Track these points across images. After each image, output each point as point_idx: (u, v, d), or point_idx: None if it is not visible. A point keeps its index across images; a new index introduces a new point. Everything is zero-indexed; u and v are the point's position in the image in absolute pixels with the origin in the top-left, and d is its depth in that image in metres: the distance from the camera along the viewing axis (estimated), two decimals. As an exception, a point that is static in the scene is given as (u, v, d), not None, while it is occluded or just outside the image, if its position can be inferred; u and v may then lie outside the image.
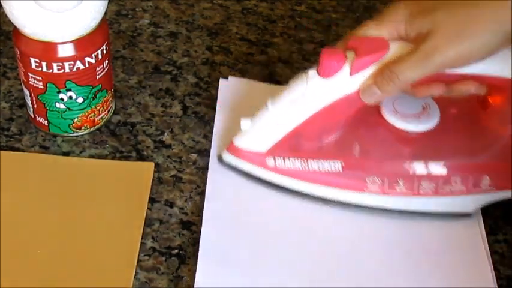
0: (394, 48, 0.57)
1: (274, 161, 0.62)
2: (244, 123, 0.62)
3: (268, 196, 0.64)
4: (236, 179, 0.65)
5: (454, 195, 0.61)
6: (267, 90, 0.73)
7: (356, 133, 0.63)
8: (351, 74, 0.57)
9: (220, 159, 0.65)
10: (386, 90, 0.57)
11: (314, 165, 0.62)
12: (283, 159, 0.62)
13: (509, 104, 0.61)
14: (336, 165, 0.62)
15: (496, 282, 0.58)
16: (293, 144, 0.61)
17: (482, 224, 0.62)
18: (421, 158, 0.62)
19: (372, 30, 0.58)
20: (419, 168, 0.61)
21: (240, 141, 0.63)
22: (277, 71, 0.78)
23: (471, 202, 0.62)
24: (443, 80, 0.58)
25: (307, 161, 0.62)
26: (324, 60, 0.58)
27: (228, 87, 0.74)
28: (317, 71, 0.59)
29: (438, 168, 0.61)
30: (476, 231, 0.61)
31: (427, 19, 0.55)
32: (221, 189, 0.64)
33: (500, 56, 0.55)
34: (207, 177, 0.65)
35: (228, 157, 0.64)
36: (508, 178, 0.62)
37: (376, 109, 0.63)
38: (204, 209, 0.62)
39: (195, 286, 0.56)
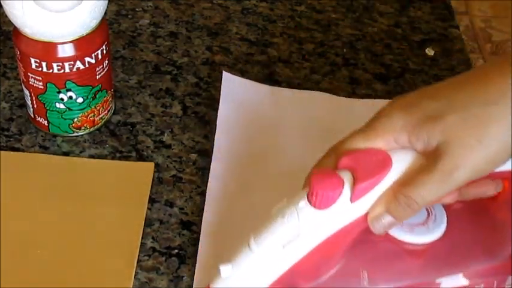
0: (400, 161, 0.49)
1: None
2: (225, 269, 0.50)
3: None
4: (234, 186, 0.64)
5: None
6: (268, 92, 0.74)
7: (360, 258, 0.53)
8: (352, 201, 0.48)
9: None
10: (403, 217, 0.48)
11: None
12: None
13: None
14: None
15: None
16: (289, 286, 0.51)
17: None
18: (437, 273, 0.54)
19: (363, 143, 0.49)
20: (438, 285, 0.53)
21: None
22: (277, 71, 0.78)
23: None
24: None
25: None
26: (318, 190, 0.48)
27: (232, 83, 0.74)
28: (309, 202, 0.49)
29: (458, 280, 0.54)
30: None
31: (436, 129, 0.47)
32: (220, 190, 0.63)
33: None
34: (207, 177, 0.65)
35: None
36: None
37: None
38: (204, 210, 0.61)
39: (193, 286, 0.56)
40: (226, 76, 0.74)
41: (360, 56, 0.80)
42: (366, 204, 0.49)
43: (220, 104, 0.71)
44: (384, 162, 0.48)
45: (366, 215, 0.49)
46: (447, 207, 0.55)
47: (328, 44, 0.82)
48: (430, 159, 0.47)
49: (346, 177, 0.48)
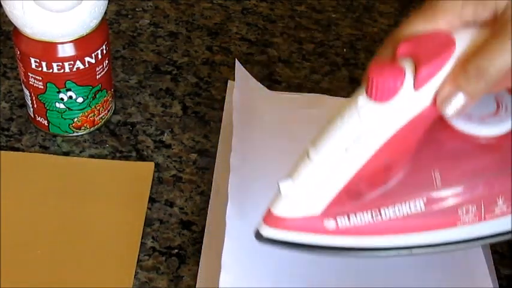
0: (463, 40, 0.45)
1: (336, 221, 0.48)
2: (285, 185, 0.47)
3: None
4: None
5: None
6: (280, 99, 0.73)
7: (429, 159, 0.49)
8: (415, 88, 0.44)
9: (258, 236, 0.50)
10: (476, 92, 0.44)
11: (389, 212, 0.48)
12: (347, 216, 0.48)
13: None
14: (416, 205, 0.48)
15: (496, 282, 0.58)
16: (354, 194, 0.48)
17: None
18: None
19: (423, 25, 0.45)
20: None
21: (282, 209, 0.48)
22: (277, 71, 0.78)
23: None
24: None
25: (379, 210, 0.48)
26: (377, 81, 0.44)
27: (243, 76, 0.71)
28: (368, 96, 0.45)
29: None
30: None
31: None
32: (243, 193, 0.61)
33: None
34: (207, 177, 0.65)
35: (269, 231, 0.49)
36: None
37: (443, 122, 0.48)
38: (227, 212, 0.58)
39: (219, 286, 0.53)
40: (239, 66, 0.72)
41: (360, 56, 0.80)
42: (430, 92, 0.45)
43: (235, 89, 0.68)
44: (447, 43, 0.44)
45: (432, 106, 0.45)
46: None
47: (328, 44, 0.82)
48: (497, 26, 0.43)
49: (407, 64, 0.44)
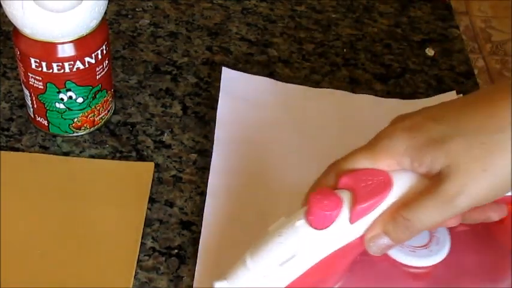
0: (401, 182, 0.47)
1: None
2: (220, 285, 0.49)
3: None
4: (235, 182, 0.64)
5: None
6: (268, 84, 0.75)
7: (359, 280, 0.52)
8: (351, 221, 0.47)
9: None
10: (401, 240, 0.47)
11: None
12: None
13: None
14: None
15: None
16: None
17: None
18: None
19: (365, 163, 0.48)
20: None
21: None
22: (277, 71, 0.78)
23: None
24: None
25: None
26: (316, 210, 0.46)
27: (232, 78, 0.74)
28: (307, 221, 0.47)
29: None
30: None
31: (440, 154, 0.45)
32: (222, 189, 0.63)
33: None
34: (207, 177, 0.65)
35: None
36: None
37: None
38: (205, 209, 0.61)
39: (194, 286, 0.56)
40: (226, 72, 0.74)
41: (360, 56, 0.80)
42: (365, 226, 0.47)
43: (219, 100, 0.71)
44: (384, 184, 0.47)
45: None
46: (451, 230, 0.53)
47: (328, 44, 0.82)
48: (432, 183, 0.46)
49: (346, 197, 0.47)
